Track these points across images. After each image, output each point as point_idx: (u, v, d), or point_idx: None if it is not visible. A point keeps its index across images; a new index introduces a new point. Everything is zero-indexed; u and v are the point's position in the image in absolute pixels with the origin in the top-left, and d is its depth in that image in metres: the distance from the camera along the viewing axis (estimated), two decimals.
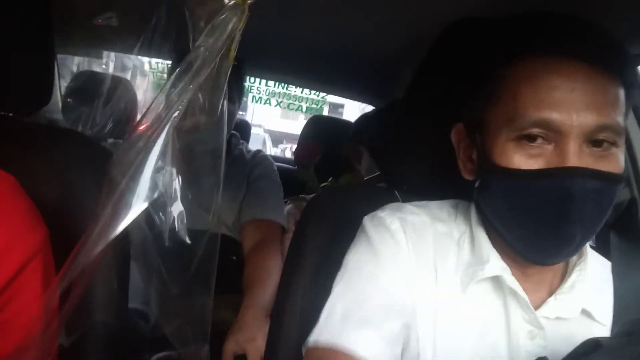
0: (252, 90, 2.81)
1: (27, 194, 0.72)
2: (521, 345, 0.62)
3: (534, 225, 0.58)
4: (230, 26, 0.49)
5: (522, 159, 0.57)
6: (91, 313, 0.71)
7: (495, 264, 0.63)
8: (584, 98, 0.55)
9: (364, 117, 1.88)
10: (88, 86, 1.60)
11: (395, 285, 0.63)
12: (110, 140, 1.45)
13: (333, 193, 1.05)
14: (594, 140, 0.56)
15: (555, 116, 0.55)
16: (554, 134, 0.56)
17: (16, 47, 0.81)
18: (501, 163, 0.58)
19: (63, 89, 1.66)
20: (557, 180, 0.55)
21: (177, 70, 0.50)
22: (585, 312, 0.64)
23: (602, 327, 0.65)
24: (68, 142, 0.90)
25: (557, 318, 0.63)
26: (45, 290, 0.64)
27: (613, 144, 0.57)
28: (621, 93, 0.58)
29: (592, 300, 0.64)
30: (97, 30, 1.38)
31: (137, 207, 0.51)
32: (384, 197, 0.87)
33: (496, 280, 0.64)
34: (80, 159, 0.86)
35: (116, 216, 0.51)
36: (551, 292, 0.65)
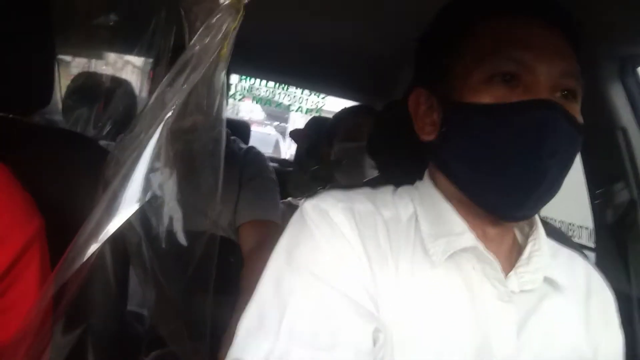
0: (252, 91, 2.81)
1: (29, 193, 0.72)
2: (491, 320, 0.60)
3: (504, 164, 0.57)
4: (225, 26, 0.49)
5: (496, 97, 0.57)
6: (89, 315, 0.71)
7: (471, 233, 0.61)
8: (553, 44, 0.59)
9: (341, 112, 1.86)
10: (88, 87, 1.60)
11: (355, 290, 0.56)
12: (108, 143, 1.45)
13: (332, 192, 1.05)
14: (559, 88, 0.58)
15: (527, 55, 0.57)
16: (527, 74, 0.57)
17: (16, 47, 0.81)
18: (472, 101, 0.58)
19: (63, 90, 1.66)
20: (529, 110, 0.55)
21: (172, 70, 0.50)
22: (548, 280, 0.64)
23: (562, 297, 0.64)
24: (67, 142, 0.90)
25: (522, 291, 0.62)
26: (42, 278, 0.65)
27: (575, 96, 0.60)
28: (574, 49, 0.61)
29: (550, 266, 0.64)
30: (97, 30, 1.38)
31: (130, 207, 0.51)
32: None
33: (454, 259, 0.61)
34: (79, 160, 0.86)
35: (108, 216, 0.50)
36: (509, 266, 0.63)
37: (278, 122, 10.30)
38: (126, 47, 1.67)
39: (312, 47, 1.55)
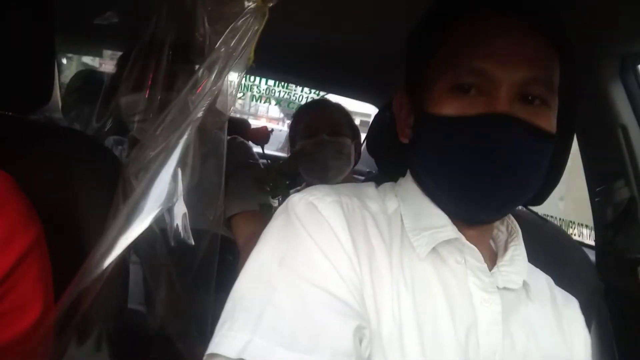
0: (252, 89, 2.80)
1: (28, 192, 0.72)
2: (478, 312, 0.60)
3: (463, 173, 0.58)
4: (251, 29, 0.49)
5: (456, 109, 0.58)
6: (90, 314, 0.71)
7: (453, 226, 0.62)
8: (517, 50, 0.57)
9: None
10: (88, 85, 1.60)
11: (338, 287, 0.55)
12: (111, 138, 1.45)
13: None
14: (526, 96, 0.58)
15: (488, 65, 0.57)
16: (487, 84, 0.57)
17: (16, 46, 0.81)
18: (435, 112, 0.60)
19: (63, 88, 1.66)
20: (483, 125, 0.56)
21: (197, 72, 0.50)
22: (525, 285, 0.66)
23: (531, 305, 0.66)
24: (68, 140, 0.90)
25: (505, 288, 0.63)
26: (42, 283, 0.65)
27: (544, 102, 0.58)
28: (555, 58, 0.60)
29: (530, 274, 0.67)
30: (98, 29, 1.38)
31: (155, 210, 0.50)
32: None
33: (436, 252, 0.62)
34: (80, 157, 0.86)
35: (133, 219, 0.50)
36: (489, 267, 0.64)
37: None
38: (126, 45, 1.67)
39: (313, 45, 1.55)
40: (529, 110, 0.57)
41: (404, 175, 0.72)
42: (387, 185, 0.71)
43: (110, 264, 0.51)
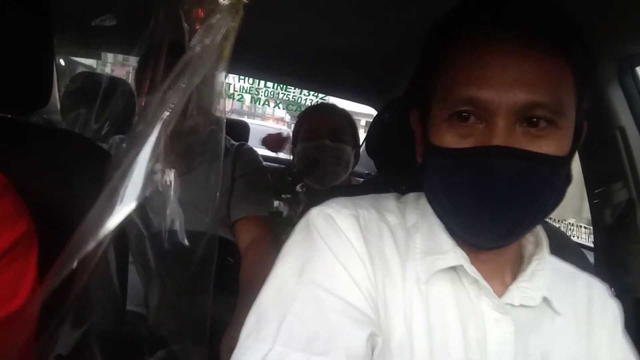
0: (251, 91, 2.81)
1: (26, 193, 0.72)
2: (488, 331, 0.61)
3: (464, 205, 0.58)
4: (225, 26, 0.49)
5: (454, 138, 0.57)
6: (89, 314, 0.71)
7: (457, 252, 0.62)
8: (515, 75, 0.54)
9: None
10: (86, 87, 1.60)
11: (354, 295, 0.57)
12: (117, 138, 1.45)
13: (331, 194, 1.05)
14: (529, 119, 0.55)
15: (483, 94, 0.54)
16: (484, 112, 0.55)
17: (15, 48, 0.81)
18: (435, 142, 0.58)
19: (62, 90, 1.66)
20: (480, 159, 0.55)
21: (174, 70, 0.50)
22: (546, 301, 0.64)
23: (560, 318, 0.64)
24: (66, 142, 0.90)
25: (522, 305, 0.62)
26: (28, 277, 0.66)
27: (551, 123, 0.55)
28: (565, 71, 0.56)
29: (551, 289, 0.64)
30: (96, 31, 1.38)
31: (128, 205, 0.51)
32: None
33: (455, 270, 0.62)
34: (78, 159, 0.86)
35: (107, 214, 0.50)
36: (504, 283, 0.64)
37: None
38: (124, 47, 1.67)
39: (312, 47, 1.55)
40: (533, 134, 0.55)
41: (402, 176, 0.72)
42: (410, 197, 0.71)
43: (87, 262, 0.51)
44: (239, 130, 2.31)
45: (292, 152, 1.73)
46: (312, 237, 0.61)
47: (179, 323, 0.81)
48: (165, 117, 0.49)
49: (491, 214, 0.56)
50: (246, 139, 2.38)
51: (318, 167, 1.57)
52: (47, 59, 0.88)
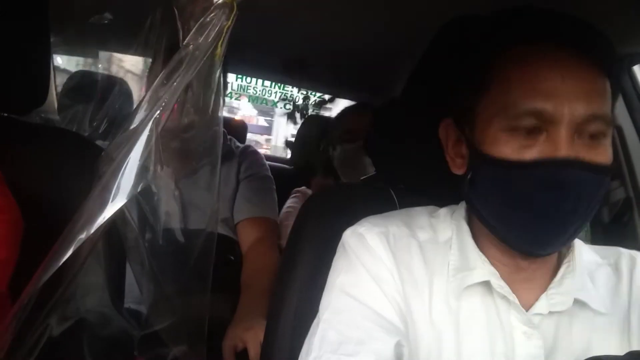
0: (248, 90, 2.80)
1: (23, 191, 0.72)
2: (517, 345, 0.62)
3: (526, 216, 0.58)
4: (219, 24, 0.49)
5: (515, 149, 0.57)
6: (84, 311, 0.71)
7: (484, 268, 0.64)
8: (574, 87, 0.55)
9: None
10: (83, 86, 1.60)
11: (383, 306, 0.62)
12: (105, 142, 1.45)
13: (329, 193, 1.05)
14: (585, 131, 0.56)
15: (547, 106, 0.55)
16: (546, 123, 0.56)
17: (12, 47, 0.81)
18: (493, 153, 0.58)
19: (59, 89, 1.66)
20: (550, 171, 0.55)
21: (166, 68, 0.50)
22: (579, 303, 0.63)
23: (603, 317, 0.64)
24: (63, 141, 0.90)
25: (551, 313, 0.63)
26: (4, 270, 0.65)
27: (603, 134, 0.57)
28: (607, 84, 0.58)
29: (584, 290, 0.64)
30: (94, 30, 1.38)
31: (120, 201, 0.51)
32: (381, 197, 0.87)
33: (486, 284, 0.64)
34: (75, 158, 0.86)
35: (98, 210, 0.51)
36: (543, 289, 0.64)
37: (264, 117, 10.79)
38: (122, 46, 1.67)
39: (310, 46, 1.55)
40: (589, 147, 0.56)
41: (402, 176, 0.73)
42: (442, 212, 0.72)
43: (78, 260, 0.51)
44: (236, 129, 2.31)
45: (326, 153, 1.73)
46: (347, 255, 0.67)
47: (175, 322, 0.81)
48: (156, 115, 0.49)
49: (555, 224, 0.58)
50: (243, 138, 2.37)
51: (358, 169, 1.56)
52: (44, 58, 0.88)
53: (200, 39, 0.49)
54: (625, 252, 0.71)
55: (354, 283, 0.64)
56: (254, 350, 1.05)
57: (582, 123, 0.55)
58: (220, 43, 0.50)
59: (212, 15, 0.49)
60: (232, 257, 1.39)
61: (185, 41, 0.50)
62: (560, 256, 0.67)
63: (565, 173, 0.55)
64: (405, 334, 0.61)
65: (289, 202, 1.78)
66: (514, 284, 0.63)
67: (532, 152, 0.56)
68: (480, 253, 0.65)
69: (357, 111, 1.73)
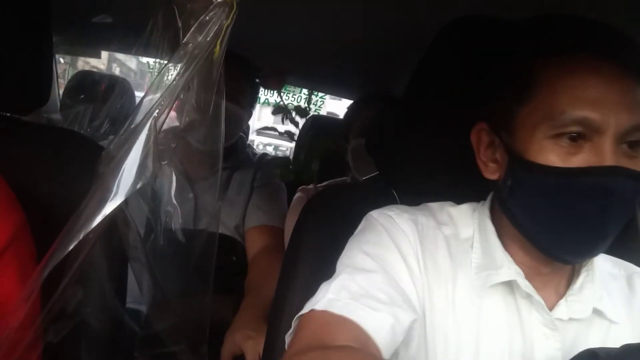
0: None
1: (25, 191, 0.72)
2: (535, 346, 0.63)
3: (570, 223, 0.59)
4: (218, 23, 0.49)
5: (560, 157, 0.57)
6: (86, 311, 0.71)
7: (510, 267, 0.64)
8: (618, 97, 0.56)
9: (350, 109, 1.81)
10: (86, 86, 1.60)
11: (407, 283, 0.63)
12: (111, 138, 1.45)
13: (330, 193, 1.05)
14: (625, 140, 0.57)
15: (594, 114, 0.56)
16: (591, 132, 0.56)
17: (15, 46, 0.81)
18: (538, 160, 0.58)
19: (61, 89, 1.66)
20: (598, 179, 0.56)
21: (165, 67, 0.50)
22: (597, 312, 0.65)
23: (616, 326, 0.66)
24: (65, 141, 0.90)
25: (571, 319, 0.64)
26: (26, 275, 0.65)
27: None
28: None
29: (602, 299, 0.66)
30: (96, 29, 1.38)
31: (119, 199, 0.51)
32: (382, 197, 0.87)
33: (509, 284, 0.65)
34: (77, 158, 0.86)
35: (97, 208, 0.51)
36: (559, 295, 0.66)
37: None
38: (124, 46, 1.67)
39: (311, 46, 1.55)
40: (629, 155, 0.57)
41: (404, 176, 0.72)
42: (464, 209, 0.73)
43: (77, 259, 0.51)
44: None
45: (340, 147, 1.69)
46: (375, 228, 0.68)
47: (176, 322, 0.80)
48: (156, 114, 0.49)
49: (597, 232, 0.58)
50: (246, 136, 2.37)
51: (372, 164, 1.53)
52: (46, 57, 0.88)
53: (200, 38, 0.49)
54: (638, 270, 0.73)
55: (381, 254, 0.64)
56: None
57: (626, 133, 0.56)
58: (219, 42, 0.50)
59: (211, 13, 0.49)
60: (235, 258, 1.40)
61: (185, 40, 0.50)
62: (575, 264, 0.68)
63: (611, 181, 0.56)
64: (422, 319, 0.62)
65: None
66: (535, 284, 0.64)
67: (577, 160, 0.57)
68: (506, 253, 0.66)
69: (370, 105, 1.68)
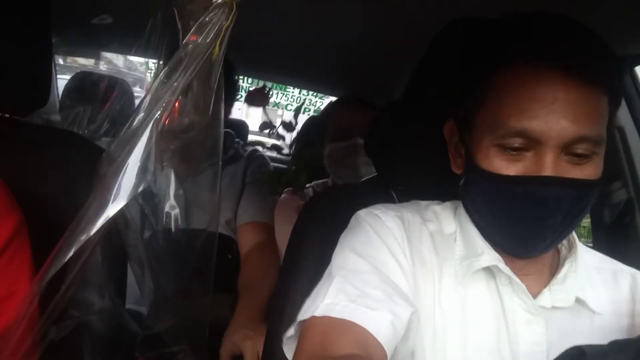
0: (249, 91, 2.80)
1: (24, 192, 0.72)
2: (519, 332, 0.64)
3: (509, 224, 0.63)
4: (218, 24, 0.49)
5: (502, 164, 0.60)
6: (85, 311, 0.71)
7: (490, 254, 0.66)
8: (564, 109, 0.56)
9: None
10: (85, 86, 1.60)
11: (399, 278, 0.64)
12: (105, 140, 1.44)
13: (330, 193, 1.05)
14: (572, 150, 0.58)
15: (534, 126, 0.57)
16: (533, 142, 0.58)
17: (14, 47, 0.81)
18: (483, 165, 0.61)
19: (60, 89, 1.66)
20: (533, 188, 0.58)
21: (165, 68, 0.50)
22: (579, 301, 0.66)
23: (599, 316, 0.67)
24: (64, 142, 0.90)
25: (554, 307, 0.65)
26: (22, 278, 0.65)
27: (594, 153, 0.59)
28: (604, 100, 0.59)
29: (585, 289, 0.67)
30: (95, 30, 1.38)
31: (121, 202, 0.51)
32: (381, 197, 0.87)
33: (490, 272, 0.67)
34: (76, 159, 0.86)
35: (100, 211, 0.51)
36: (541, 284, 0.67)
37: None
38: (123, 47, 1.67)
39: (310, 47, 1.55)
40: (575, 164, 0.59)
41: (403, 177, 0.73)
42: (447, 206, 0.75)
43: (78, 262, 0.52)
44: (237, 129, 2.31)
45: (290, 148, 1.69)
46: (362, 227, 0.69)
47: (178, 322, 0.81)
48: (157, 115, 0.49)
49: (534, 235, 0.62)
50: (245, 137, 2.37)
51: (351, 168, 1.46)
52: (46, 59, 0.88)
53: (200, 39, 0.49)
54: (625, 268, 0.74)
55: (371, 253, 0.65)
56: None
57: (569, 144, 0.57)
58: (219, 43, 0.50)
59: (211, 14, 0.49)
60: (230, 256, 1.40)
61: (185, 41, 0.50)
62: (559, 254, 0.70)
63: (546, 192, 0.58)
64: (417, 309, 0.63)
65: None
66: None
67: (518, 168, 0.59)
68: (486, 241, 0.68)
69: (348, 106, 1.61)
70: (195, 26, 0.49)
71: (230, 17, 0.50)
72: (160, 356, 0.86)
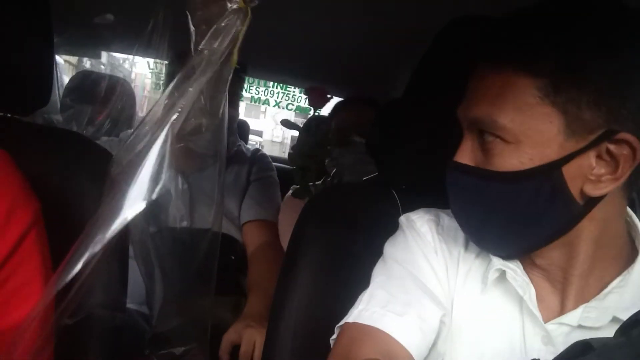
0: (250, 91, 2.80)
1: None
2: (535, 349, 0.60)
3: (458, 218, 0.65)
4: (233, 30, 0.49)
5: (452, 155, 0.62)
6: (89, 308, 0.71)
7: (493, 259, 0.63)
8: (475, 95, 0.58)
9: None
10: (86, 86, 1.60)
11: (433, 282, 0.65)
12: (104, 139, 1.44)
13: (331, 193, 1.05)
14: (483, 138, 0.57)
15: (458, 112, 0.61)
16: (461, 128, 0.61)
17: (16, 47, 0.81)
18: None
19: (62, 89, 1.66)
20: (447, 174, 0.62)
21: (181, 73, 0.51)
22: (617, 321, 0.56)
23: None
24: (65, 142, 0.90)
25: (580, 326, 0.58)
26: (43, 265, 0.66)
27: (500, 138, 0.55)
28: (522, 87, 0.54)
29: (628, 310, 0.52)
30: (96, 30, 1.38)
31: (134, 207, 0.51)
32: (383, 198, 0.87)
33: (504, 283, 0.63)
34: (77, 158, 0.86)
35: (113, 216, 0.51)
36: (581, 299, 0.59)
37: None
38: (124, 47, 1.67)
39: (311, 47, 1.55)
40: (486, 149, 0.57)
41: (405, 177, 0.73)
42: None
43: (91, 262, 0.52)
44: (238, 128, 2.31)
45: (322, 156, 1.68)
46: (403, 233, 0.71)
47: (181, 322, 0.81)
48: (173, 119, 0.50)
49: (467, 227, 0.64)
50: (245, 137, 2.38)
51: (345, 172, 1.45)
52: (47, 58, 0.88)
53: (215, 44, 0.49)
54: None
55: (407, 259, 0.67)
56: (245, 347, 1.06)
57: (470, 125, 0.59)
58: (234, 49, 0.50)
59: (226, 20, 0.49)
60: (233, 257, 1.40)
61: (200, 46, 0.50)
62: (616, 263, 0.60)
63: (449, 175, 0.61)
64: (449, 313, 0.64)
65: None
66: (540, 282, 0.61)
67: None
68: None
69: (346, 107, 1.65)
70: (211, 32, 0.49)
71: (246, 22, 0.50)
72: (160, 356, 0.86)
